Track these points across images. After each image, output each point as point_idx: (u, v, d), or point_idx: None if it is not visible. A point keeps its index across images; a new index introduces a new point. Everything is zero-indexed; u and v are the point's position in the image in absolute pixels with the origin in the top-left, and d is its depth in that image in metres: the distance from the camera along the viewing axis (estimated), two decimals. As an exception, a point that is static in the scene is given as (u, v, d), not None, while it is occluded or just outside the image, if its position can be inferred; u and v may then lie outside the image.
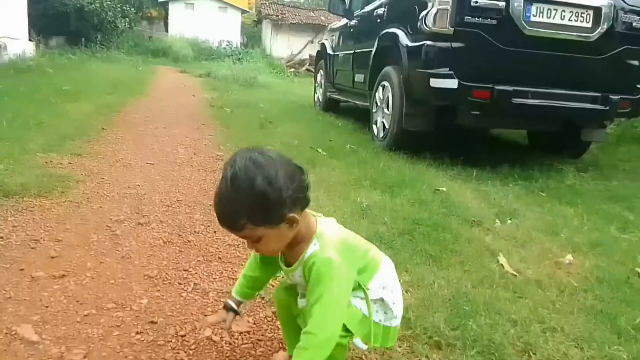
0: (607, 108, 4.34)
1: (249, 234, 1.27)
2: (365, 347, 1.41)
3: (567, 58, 4.25)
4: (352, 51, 6.41)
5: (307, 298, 1.32)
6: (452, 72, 4.17)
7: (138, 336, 1.74)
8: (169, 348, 1.69)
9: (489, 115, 4.39)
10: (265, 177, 1.21)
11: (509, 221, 3.17)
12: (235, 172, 1.21)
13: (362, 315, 1.39)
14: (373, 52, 5.45)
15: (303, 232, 1.33)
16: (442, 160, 4.55)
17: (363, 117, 6.54)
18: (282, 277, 1.63)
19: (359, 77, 6.11)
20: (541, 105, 4.21)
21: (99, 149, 4.35)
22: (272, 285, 2.09)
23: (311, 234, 1.34)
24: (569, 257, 2.64)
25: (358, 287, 1.38)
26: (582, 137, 4.90)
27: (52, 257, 2.25)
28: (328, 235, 1.34)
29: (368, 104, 5.78)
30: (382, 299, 1.42)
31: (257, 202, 1.21)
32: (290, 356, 1.61)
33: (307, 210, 1.35)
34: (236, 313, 1.55)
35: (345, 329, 1.34)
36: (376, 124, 5.40)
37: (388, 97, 5.02)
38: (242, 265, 2.32)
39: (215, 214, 1.29)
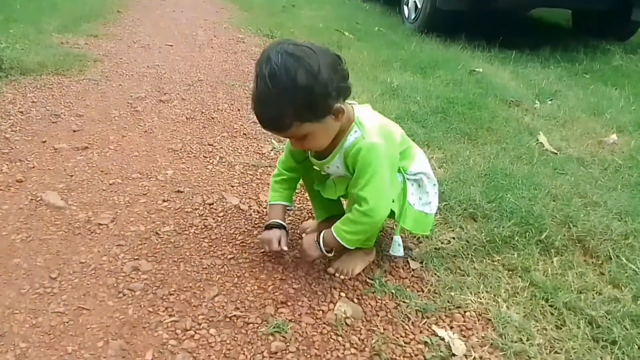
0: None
1: (294, 132, 1.18)
2: (401, 252, 1.38)
3: None
4: None
5: (353, 183, 1.25)
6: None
7: (165, 203, 1.71)
8: (197, 215, 1.66)
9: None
10: (307, 71, 1.09)
11: (550, 102, 2.97)
12: (273, 69, 1.09)
13: (400, 189, 1.35)
14: None
15: (344, 123, 1.24)
16: (478, 42, 4.24)
17: (392, 0, 6.08)
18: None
19: (390, -47, 5.59)
20: (592, -23, 3.78)
21: (115, 31, 4.16)
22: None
23: (350, 122, 1.26)
24: (614, 136, 2.47)
25: (397, 170, 1.34)
26: (632, 16, 4.45)
27: (74, 131, 2.19)
28: (368, 121, 1.27)
29: (399, -18, 5.33)
30: (419, 183, 1.39)
31: (303, 98, 1.11)
32: (319, 223, 1.57)
33: None
34: (283, 228, 1.46)
35: None
36: (407, 5, 5.00)
37: (422, -27, 4.58)
38: (267, 141, 2.24)
39: (255, 115, 1.19)
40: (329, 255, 1.36)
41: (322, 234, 1.33)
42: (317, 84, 1.11)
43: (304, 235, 1.47)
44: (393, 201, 1.31)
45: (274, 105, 1.13)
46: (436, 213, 1.47)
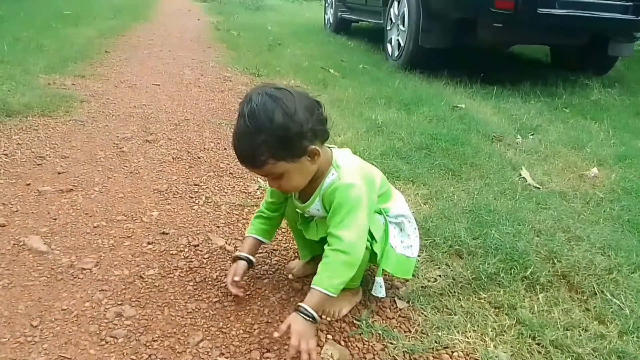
0: (639, 18, 4.04)
1: (270, 170, 1.22)
2: (383, 294, 1.38)
3: (598, -36, 3.91)
4: (365, -35, 6.01)
5: (328, 221, 1.27)
6: (473, -20, 3.87)
7: (150, 246, 1.70)
8: (182, 257, 1.65)
9: (512, 28, 4.10)
10: (284, 111, 1.16)
11: (531, 136, 3.03)
12: (252, 108, 1.16)
13: (383, 231, 1.36)
14: (387, -36, 5.09)
15: (322, 165, 1.28)
16: (460, 78, 4.34)
17: (376, 38, 6.24)
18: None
19: (372, -7, 5.76)
20: (568, 15, 3.91)
21: (102, 71, 4.20)
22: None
23: (328, 165, 1.29)
24: (595, 170, 2.52)
25: (378, 211, 1.37)
26: (609, 51, 4.60)
27: (59, 173, 2.19)
28: (345, 164, 1.30)
29: (382, 21, 5.49)
30: (400, 226, 1.41)
31: (278, 137, 1.16)
32: (305, 263, 1.57)
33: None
34: (249, 262, 1.47)
35: (370, 233, 1.31)
36: (390, 42, 5.14)
37: (404, 12, 4.73)
38: (254, 180, 2.25)
39: (233, 150, 1.24)
40: (322, 319, 1.35)
41: (304, 305, 1.21)
42: (293, 123, 1.16)
43: (285, 323, 1.24)
44: (375, 242, 1.32)
45: (250, 142, 1.18)
46: (418, 255, 1.47)
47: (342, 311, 1.40)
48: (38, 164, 2.26)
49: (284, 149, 1.18)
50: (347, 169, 1.29)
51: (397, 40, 4.94)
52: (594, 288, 1.54)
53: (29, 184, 2.06)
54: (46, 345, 1.24)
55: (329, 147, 1.34)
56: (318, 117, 1.23)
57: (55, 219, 1.82)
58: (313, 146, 1.21)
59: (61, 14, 7.23)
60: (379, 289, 1.37)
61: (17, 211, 1.85)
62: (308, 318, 1.20)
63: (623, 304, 1.48)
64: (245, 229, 1.85)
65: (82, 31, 6.10)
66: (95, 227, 1.79)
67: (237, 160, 1.27)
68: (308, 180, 1.29)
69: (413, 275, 1.50)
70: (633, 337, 1.35)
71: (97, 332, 1.29)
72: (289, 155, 1.20)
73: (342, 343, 1.31)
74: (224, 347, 1.27)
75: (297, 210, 1.45)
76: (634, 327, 1.38)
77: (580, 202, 2.16)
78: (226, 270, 1.58)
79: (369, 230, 1.30)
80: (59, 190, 2.03)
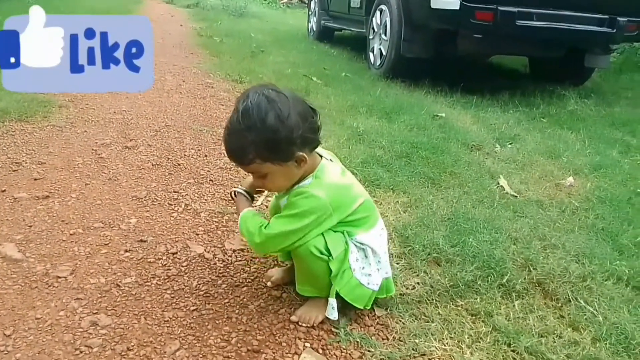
0: (614, 31, 4.13)
1: (256, 169, 1.26)
2: (335, 316, 1.36)
3: (574, -22, 4.01)
4: (347, -26, 6.05)
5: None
6: (454, -8, 3.93)
7: (127, 254, 1.68)
8: (160, 265, 1.63)
9: (492, 39, 4.18)
10: (277, 114, 1.19)
11: (509, 145, 3.08)
12: (247, 106, 1.19)
13: (343, 250, 1.33)
14: (370, -26, 5.14)
15: (307, 171, 1.31)
16: (440, 88, 4.39)
17: (358, 47, 6.29)
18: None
19: (355, 2, 5.79)
20: (546, 27, 3.99)
21: (83, 76, 4.15)
22: (266, 206, 2.03)
23: (311, 171, 1.32)
24: (570, 179, 2.57)
25: (342, 232, 1.35)
26: (585, 63, 4.70)
27: (35, 179, 2.15)
28: (326, 176, 1.31)
29: (364, 30, 5.52)
30: (364, 253, 1.37)
31: (267, 138, 1.19)
32: (284, 270, 1.57)
33: (316, 149, 1.34)
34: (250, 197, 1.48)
35: (327, 248, 1.30)
36: (372, 51, 5.18)
37: (386, 22, 4.78)
38: (234, 187, 2.24)
39: (224, 147, 1.29)
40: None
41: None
42: (284, 127, 1.19)
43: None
44: (332, 258, 1.30)
45: (239, 139, 1.22)
46: (378, 291, 1.41)
47: (318, 317, 1.40)
48: (14, 170, 2.23)
49: (271, 151, 1.22)
50: (323, 182, 1.30)
51: (380, 49, 4.98)
52: (568, 295, 1.57)
53: (4, 190, 2.02)
54: (19, 355, 1.22)
55: (322, 157, 1.36)
56: (310, 124, 1.25)
57: (31, 226, 1.79)
58: (301, 153, 1.24)
59: (41, 17, 7.12)
60: (331, 311, 1.36)
61: (-10, 218, 1.82)
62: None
63: (597, 311, 1.51)
64: (224, 236, 1.85)
65: (63, 35, 6.02)
66: (71, 234, 1.76)
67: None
68: (291, 184, 1.32)
69: (366, 307, 1.42)
70: (606, 344, 1.38)
71: (72, 341, 1.27)
72: (276, 157, 1.23)
73: (320, 351, 1.31)
74: (201, 356, 1.26)
75: (276, 203, 1.47)
76: (607, 334, 1.40)
77: (556, 211, 2.20)
78: (204, 278, 1.58)
79: (326, 246, 1.29)
80: (35, 197, 1.99)
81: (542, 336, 1.40)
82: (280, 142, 1.20)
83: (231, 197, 1.52)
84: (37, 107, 3.05)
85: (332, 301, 1.35)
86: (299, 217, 1.25)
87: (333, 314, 1.36)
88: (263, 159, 1.23)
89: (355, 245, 1.36)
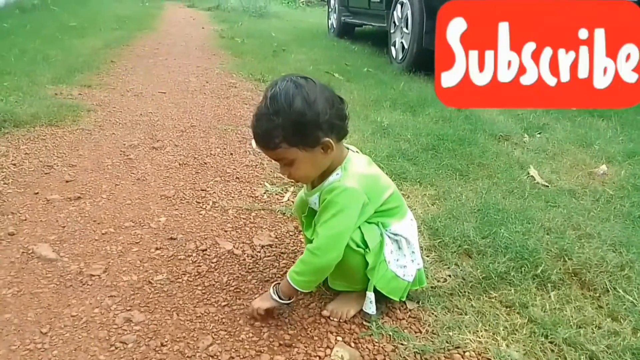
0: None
1: (282, 154, 1.25)
2: (373, 311, 1.35)
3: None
4: (367, -31, 6.01)
5: (317, 219, 1.31)
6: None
7: (158, 251, 1.70)
8: (190, 262, 1.64)
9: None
10: (304, 98, 1.20)
11: (538, 135, 3.01)
12: (275, 92, 1.21)
13: (378, 242, 1.33)
14: (389, -33, 5.09)
15: (334, 163, 1.30)
16: (464, 79, 4.32)
17: (379, 41, 6.25)
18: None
19: (375, -3, 5.77)
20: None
21: (108, 81, 4.23)
22: (292, 202, 2.03)
23: (339, 163, 1.31)
24: (603, 167, 2.50)
25: (376, 223, 1.35)
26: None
27: (67, 181, 2.20)
28: (354, 168, 1.31)
29: (385, 24, 5.49)
30: (398, 244, 1.37)
31: (294, 121, 1.20)
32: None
33: (344, 143, 1.34)
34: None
35: (364, 241, 1.30)
36: (394, 45, 5.14)
37: (407, 14, 4.73)
38: (260, 184, 2.25)
39: (252, 133, 1.29)
40: (287, 302, 1.34)
41: (274, 287, 1.34)
42: (310, 111, 1.20)
43: None
44: (369, 251, 1.30)
45: (267, 123, 1.22)
46: (413, 282, 1.41)
47: (350, 312, 1.39)
48: (46, 173, 2.28)
49: (298, 134, 1.22)
50: (352, 173, 1.29)
51: (401, 42, 4.94)
52: (606, 285, 1.52)
53: (37, 193, 2.07)
54: (56, 352, 1.24)
55: (349, 148, 1.36)
56: (338, 111, 1.26)
57: (64, 227, 1.82)
58: (327, 138, 1.23)
59: (67, 25, 7.28)
60: (369, 305, 1.34)
61: (25, 220, 1.86)
62: (274, 296, 1.31)
63: (636, 300, 1.46)
64: (252, 232, 1.85)
65: (88, 42, 6.15)
66: (103, 233, 1.79)
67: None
68: (318, 173, 1.31)
69: (401, 299, 1.42)
70: (647, 334, 1.33)
71: (107, 337, 1.29)
72: (302, 142, 1.23)
73: (353, 345, 1.30)
74: (233, 350, 1.26)
75: (304, 199, 1.46)
76: (648, 324, 1.36)
77: (590, 200, 2.14)
78: (234, 274, 1.58)
79: (362, 238, 1.30)
80: (67, 198, 2.04)
81: (580, 327, 1.36)
82: (307, 125, 1.21)
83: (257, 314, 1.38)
84: (66, 112, 3.11)
85: (370, 295, 1.34)
86: (343, 212, 1.24)
87: (371, 309, 1.35)
88: (289, 144, 1.23)
89: (389, 237, 1.36)
